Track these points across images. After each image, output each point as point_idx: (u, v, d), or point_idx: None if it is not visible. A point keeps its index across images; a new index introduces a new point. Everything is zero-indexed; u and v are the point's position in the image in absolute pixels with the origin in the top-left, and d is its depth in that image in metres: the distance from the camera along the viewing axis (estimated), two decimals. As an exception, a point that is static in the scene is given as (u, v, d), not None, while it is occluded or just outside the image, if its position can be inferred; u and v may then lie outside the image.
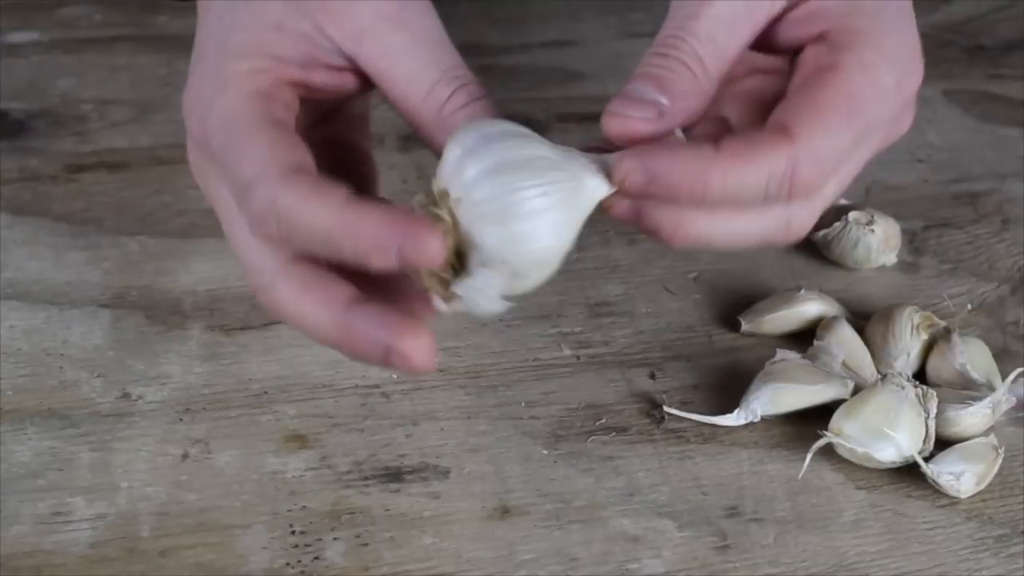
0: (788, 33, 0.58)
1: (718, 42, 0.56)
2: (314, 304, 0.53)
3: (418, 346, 0.51)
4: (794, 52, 0.58)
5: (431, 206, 0.52)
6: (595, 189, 0.53)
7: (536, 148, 0.53)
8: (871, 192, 0.75)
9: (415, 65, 0.56)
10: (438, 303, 0.53)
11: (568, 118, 0.79)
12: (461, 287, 0.52)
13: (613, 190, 0.53)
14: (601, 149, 0.55)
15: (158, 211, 0.72)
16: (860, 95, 0.55)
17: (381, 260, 0.51)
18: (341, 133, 0.60)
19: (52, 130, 0.76)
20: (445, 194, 0.52)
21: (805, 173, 0.53)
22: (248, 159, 0.53)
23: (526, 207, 0.51)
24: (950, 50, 0.86)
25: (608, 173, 0.53)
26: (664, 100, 0.54)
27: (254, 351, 0.65)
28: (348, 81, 0.57)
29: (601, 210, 0.54)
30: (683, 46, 0.55)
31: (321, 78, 0.57)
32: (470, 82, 0.56)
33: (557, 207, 0.52)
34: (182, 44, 0.63)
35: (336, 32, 0.56)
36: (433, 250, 0.50)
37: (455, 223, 0.52)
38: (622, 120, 0.54)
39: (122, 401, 0.63)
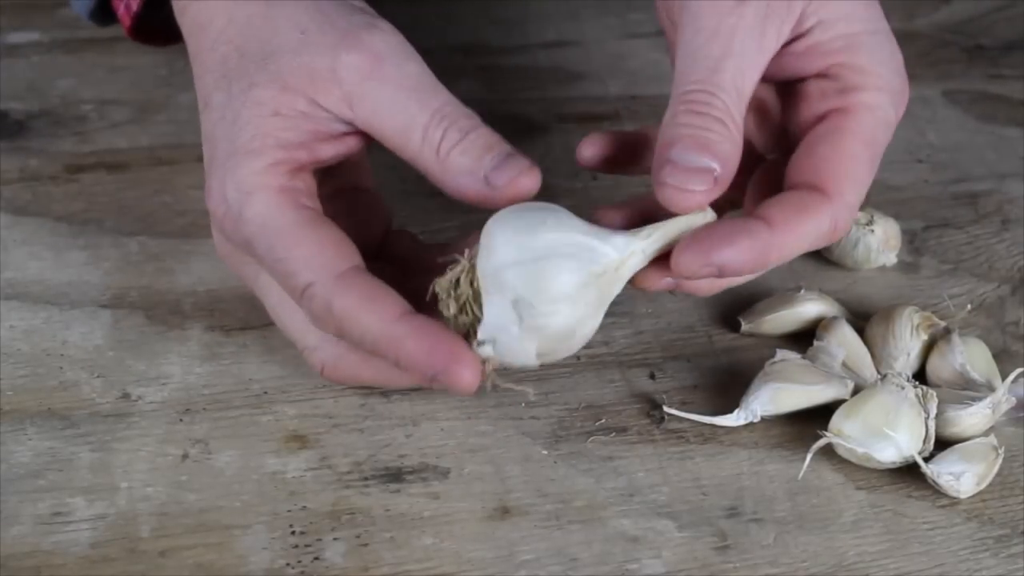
0: (788, 67, 0.61)
1: (742, 92, 0.59)
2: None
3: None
4: (790, 81, 0.61)
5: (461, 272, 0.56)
6: (615, 269, 0.57)
7: (567, 229, 0.56)
8: (871, 192, 0.75)
9: (403, 116, 0.58)
10: (476, 349, 0.56)
11: (568, 118, 0.79)
12: (483, 332, 0.56)
13: (632, 268, 0.57)
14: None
15: (158, 211, 0.72)
16: (874, 138, 0.60)
17: (419, 378, 0.57)
18: (347, 181, 0.63)
19: (52, 130, 0.76)
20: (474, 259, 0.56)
21: (843, 222, 0.59)
22: (300, 266, 0.57)
23: (544, 242, 0.55)
24: (950, 50, 0.86)
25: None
26: (716, 166, 0.57)
27: (254, 351, 0.65)
28: (352, 144, 0.60)
29: (633, 285, 0.58)
30: (716, 103, 0.58)
31: (328, 151, 0.59)
32: (460, 116, 0.58)
33: (567, 234, 0.56)
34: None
35: (327, 102, 0.58)
36: (466, 382, 0.55)
37: (472, 271, 0.56)
38: (681, 193, 0.57)
39: (122, 401, 0.63)
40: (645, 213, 0.60)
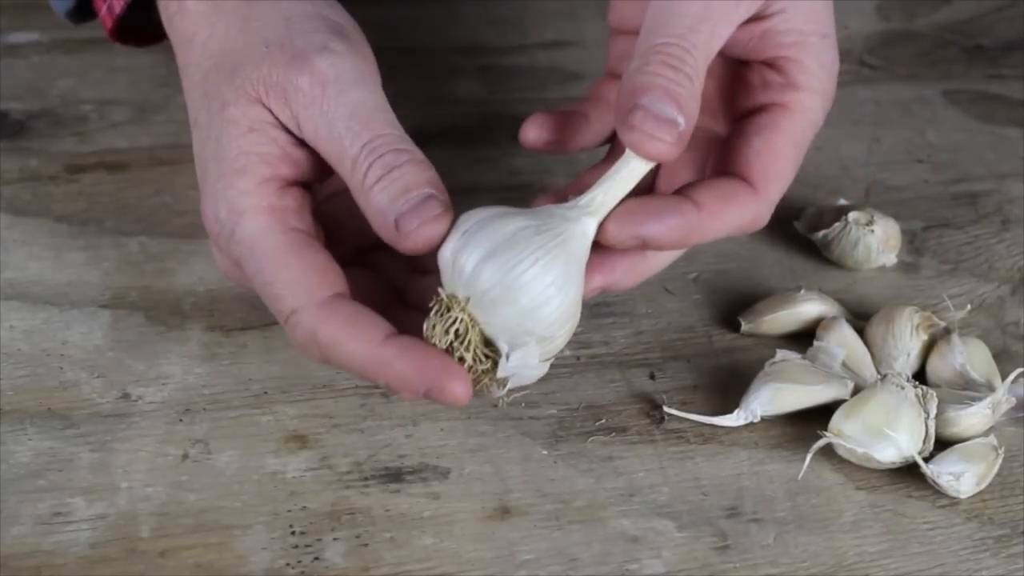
0: (738, 46, 0.63)
1: (708, 56, 0.59)
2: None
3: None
4: (733, 60, 0.62)
5: (445, 312, 0.56)
6: (581, 234, 0.57)
7: (515, 221, 0.57)
8: (871, 192, 0.75)
9: (338, 146, 0.58)
10: (495, 392, 0.57)
11: (568, 118, 0.79)
12: (503, 371, 0.56)
13: (596, 223, 0.57)
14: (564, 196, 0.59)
15: (158, 211, 0.72)
16: (803, 139, 0.61)
17: (411, 397, 0.57)
18: (341, 184, 0.62)
19: (52, 130, 0.76)
20: (454, 297, 0.56)
21: (762, 218, 0.61)
22: (285, 291, 0.57)
23: (527, 277, 0.55)
24: (950, 50, 0.86)
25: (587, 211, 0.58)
26: (682, 120, 0.57)
27: (254, 351, 0.65)
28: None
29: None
30: (689, 60, 0.58)
31: (307, 164, 0.60)
32: (389, 151, 0.57)
33: (553, 265, 0.56)
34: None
35: (282, 116, 0.59)
36: (459, 395, 0.55)
37: (473, 320, 0.56)
38: (651, 140, 0.57)
39: (122, 401, 0.63)
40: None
